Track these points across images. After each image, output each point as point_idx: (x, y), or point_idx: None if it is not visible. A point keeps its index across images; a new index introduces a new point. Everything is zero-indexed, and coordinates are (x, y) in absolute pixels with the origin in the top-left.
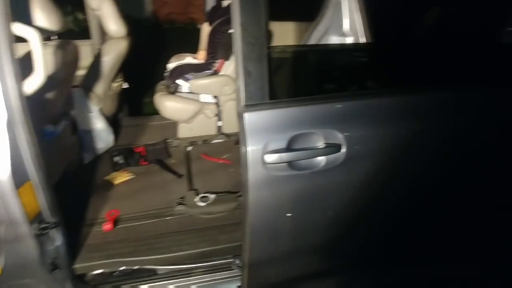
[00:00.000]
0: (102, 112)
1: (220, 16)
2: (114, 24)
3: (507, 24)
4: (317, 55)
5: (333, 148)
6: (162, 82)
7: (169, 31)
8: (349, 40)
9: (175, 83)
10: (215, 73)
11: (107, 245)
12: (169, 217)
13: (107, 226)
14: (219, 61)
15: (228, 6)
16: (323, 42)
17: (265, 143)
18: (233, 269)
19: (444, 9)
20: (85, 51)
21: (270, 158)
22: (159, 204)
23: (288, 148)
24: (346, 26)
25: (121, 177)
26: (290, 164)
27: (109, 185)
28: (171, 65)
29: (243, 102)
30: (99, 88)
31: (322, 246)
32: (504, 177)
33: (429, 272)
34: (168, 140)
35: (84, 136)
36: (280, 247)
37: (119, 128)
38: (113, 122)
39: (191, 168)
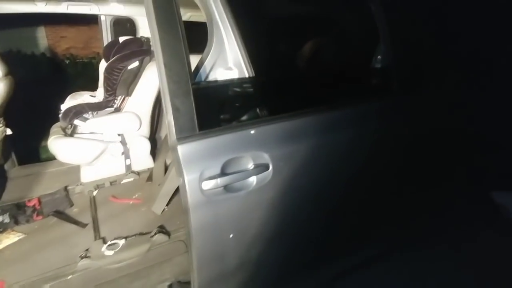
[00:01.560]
0: None
1: (117, 52)
2: None
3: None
4: (233, 87)
5: (261, 167)
6: (57, 124)
7: (70, 66)
8: (235, 73)
9: (73, 124)
10: (118, 110)
11: None
12: (71, 276)
13: None
14: (120, 97)
15: (124, 42)
16: (212, 75)
17: (201, 171)
18: None
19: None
20: None
21: (207, 184)
22: (58, 262)
23: (222, 173)
24: (231, 60)
25: (6, 240)
26: (226, 187)
27: None
28: (65, 105)
29: (174, 136)
30: None
31: (266, 258)
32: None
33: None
34: (69, 187)
35: None
36: (227, 266)
37: (5, 180)
38: None
39: (97, 214)
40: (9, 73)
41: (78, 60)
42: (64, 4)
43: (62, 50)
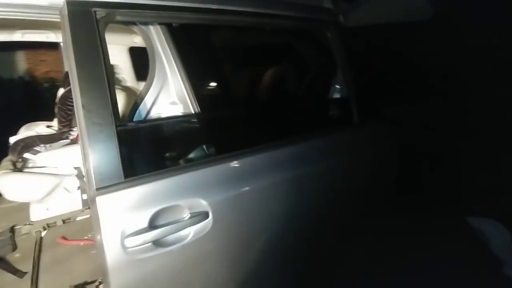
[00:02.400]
0: None
1: None
2: None
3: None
4: (169, 127)
5: (199, 217)
6: (7, 157)
7: (50, 90)
8: (180, 109)
9: (22, 157)
10: (74, 142)
11: None
12: None
13: None
14: (77, 129)
15: None
16: (152, 111)
17: (124, 226)
18: None
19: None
20: None
21: (132, 241)
22: None
23: (151, 226)
24: (174, 95)
25: None
26: (156, 242)
27: None
28: (15, 137)
29: (94, 186)
30: None
31: None
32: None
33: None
34: (17, 227)
35: None
36: None
37: None
38: None
39: (40, 260)
40: None
41: (57, 83)
42: (19, 33)
43: (42, 73)
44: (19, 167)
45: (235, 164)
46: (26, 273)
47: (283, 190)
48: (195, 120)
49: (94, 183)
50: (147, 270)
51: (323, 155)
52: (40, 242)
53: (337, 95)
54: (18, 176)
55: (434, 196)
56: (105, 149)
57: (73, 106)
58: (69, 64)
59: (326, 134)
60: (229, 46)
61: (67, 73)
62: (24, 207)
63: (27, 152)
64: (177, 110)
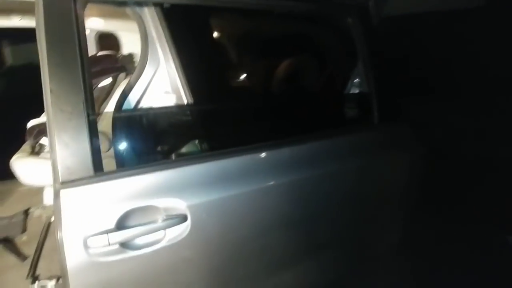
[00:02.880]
0: None
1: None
2: None
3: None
4: (152, 118)
5: (176, 219)
6: (28, 142)
7: None
8: (172, 99)
9: (39, 143)
10: None
11: None
12: None
13: None
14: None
15: (96, 58)
16: (144, 99)
17: (89, 224)
18: None
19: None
20: None
21: (95, 241)
22: None
23: (119, 227)
24: (167, 84)
25: None
26: (124, 245)
27: None
28: (32, 122)
29: (59, 178)
30: None
31: None
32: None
33: None
34: (30, 210)
35: None
36: None
37: None
38: None
39: (43, 245)
40: None
41: None
42: (16, 18)
43: None
44: (36, 152)
45: (222, 163)
46: (27, 257)
47: (277, 197)
48: (187, 112)
49: (59, 176)
50: (111, 275)
51: (330, 159)
52: (47, 227)
53: (355, 91)
54: (32, 160)
55: (465, 210)
56: (73, 140)
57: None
58: (40, 45)
59: (335, 134)
60: (233, 32)
61: None
62: (40, 192)
63: (43, 137)
64: (169, 101)
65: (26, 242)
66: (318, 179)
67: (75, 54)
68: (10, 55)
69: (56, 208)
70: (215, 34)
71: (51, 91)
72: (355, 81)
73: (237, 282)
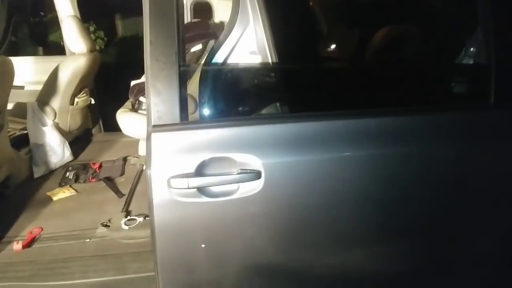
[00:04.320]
0: (59, 127)
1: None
2: (72, 41)
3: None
4: (238, 76)
5: (250, 175)
6: (130, 99)
7: None
8: (259, 59)
9: (138, 100)
10: None
11: (9, 266)
12: (89, 239)
13: (17, 246)
14: None
15: (189, 25)
16: (228, 58)
17: (173, 167)
18: None
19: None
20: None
21: (176, 183)
22: (86, 224)
23: (198, 173)
24: (254, 44)
25: (61, 194)
26: (201, 190)
27: (48, 201)
28: (134, 82)
29: (151, 122)
30: (56, 103)
31: (245, 281)
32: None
33: None
34: (128, 157)
35: (35, 150)
36: (197, 280)
37: (88, 143)
38: (84, 137)
39: (136, 187)
40: (94, 50)
41: None
42: None
43: None
44: (135, 108)
45: (302, 126)
46: (124, 195)
47: (356, 170)
48: (272, 74)
49: (152, 120)
50: (188, 215)
51: (424, 137)
52: (140, 173)
53: (468, 61)
54: (130, 115)
55: None
56: (165, 88)
57: None
58: (144, 3)
59: (434, 110)
60: None
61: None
62: (137, 143)
63: (141, 95)
64: (255, 61)
65: (123, 183)
66: (406, 158)
67: (173, 10)
68: (121, 28)
69: (147, 148)
70: None
71: (150, 42)
72: (470, 50)
73: (300, 248)
